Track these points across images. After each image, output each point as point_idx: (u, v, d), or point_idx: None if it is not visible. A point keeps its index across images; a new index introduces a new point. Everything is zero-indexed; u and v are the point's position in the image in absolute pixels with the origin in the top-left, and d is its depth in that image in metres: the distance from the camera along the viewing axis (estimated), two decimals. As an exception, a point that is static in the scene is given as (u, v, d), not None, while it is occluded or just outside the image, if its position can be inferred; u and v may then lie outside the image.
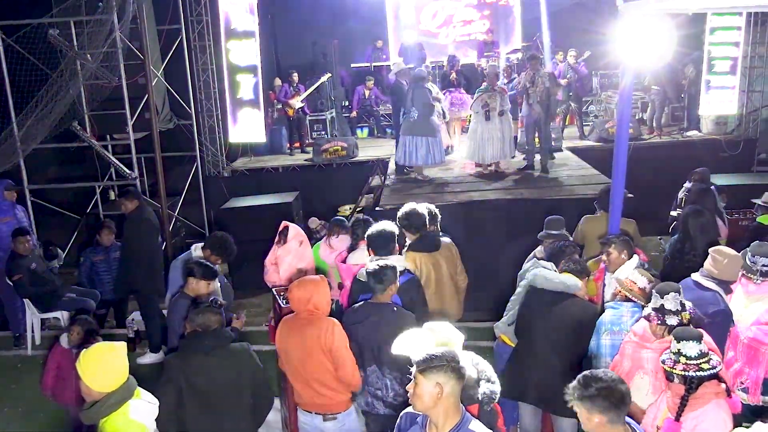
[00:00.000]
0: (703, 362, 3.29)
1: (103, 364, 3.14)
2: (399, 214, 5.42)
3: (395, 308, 4.30)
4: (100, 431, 3.14)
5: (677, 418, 3.32)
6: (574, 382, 2.97)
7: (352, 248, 5.78)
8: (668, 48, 4.25)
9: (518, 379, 4.54)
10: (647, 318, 3.85)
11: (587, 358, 4.41)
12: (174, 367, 3.90)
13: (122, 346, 3.24)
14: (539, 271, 4.62)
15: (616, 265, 4.85)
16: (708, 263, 4.54)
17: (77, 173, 10.64)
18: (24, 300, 7.35)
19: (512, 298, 5.00)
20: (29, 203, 9.44)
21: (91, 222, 10.36)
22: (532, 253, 5.47)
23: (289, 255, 6.29)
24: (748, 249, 4.47)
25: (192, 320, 3.92)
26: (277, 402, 5.51)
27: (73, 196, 10.62)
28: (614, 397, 2.86)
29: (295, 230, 6.40)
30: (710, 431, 3.21)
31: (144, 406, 3.21)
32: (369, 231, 5.02)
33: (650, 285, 4.26)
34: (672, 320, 3.74)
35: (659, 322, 3.77)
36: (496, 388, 3.26)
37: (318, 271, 6.02)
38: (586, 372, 2.98)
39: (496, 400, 3.27)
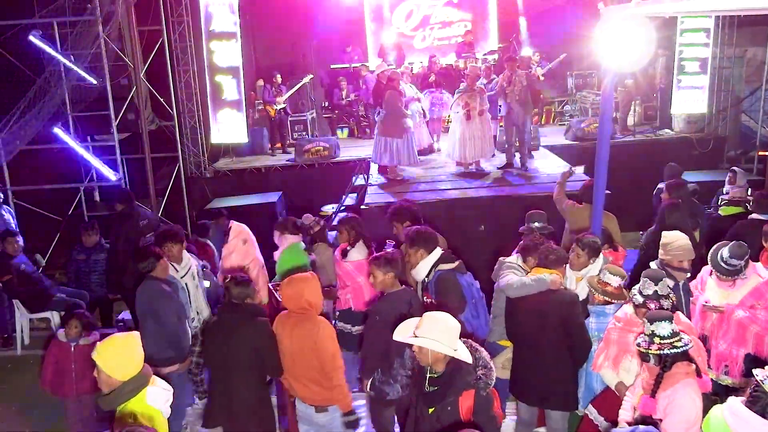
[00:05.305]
0: (676, 341, 3.52)
1: (121, 354, 3.26)
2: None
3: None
4: (118, 416, 3.26)
5: (653, 395, 3.55)
6: None
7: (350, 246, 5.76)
8: (648, 50, 4.41)
9: (521, 382, 4.63)
10: (641, 305, 4.02)
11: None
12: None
13: (137, 335, 3.36)
14: (507, 281, 4.56)
15: (580, 265, 4.90)
16: (660, 249, 4.80)
17: (59, 175, 10.59)
18: (13, 301, 7.35)
19: (492, 303, 5.05)
20: (12, 205, 9.41)
21: (74, 223, 10.33)
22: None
23: (233, 253, 6.54)
24: (724, 248, 4.66)
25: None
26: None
27: (56, 197, 10.56)
28: None
29: (237, 229, 6.66)
30: (682, 407, 3.44)
31: (159, 393, 3.33)
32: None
33: (623, 282, 4.45)
34: (666, 303, 3.98)
35: (658, 307, 3.95)
36: (492, 373, 3.41)
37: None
38: None
39: (492, 386, 3.42)
